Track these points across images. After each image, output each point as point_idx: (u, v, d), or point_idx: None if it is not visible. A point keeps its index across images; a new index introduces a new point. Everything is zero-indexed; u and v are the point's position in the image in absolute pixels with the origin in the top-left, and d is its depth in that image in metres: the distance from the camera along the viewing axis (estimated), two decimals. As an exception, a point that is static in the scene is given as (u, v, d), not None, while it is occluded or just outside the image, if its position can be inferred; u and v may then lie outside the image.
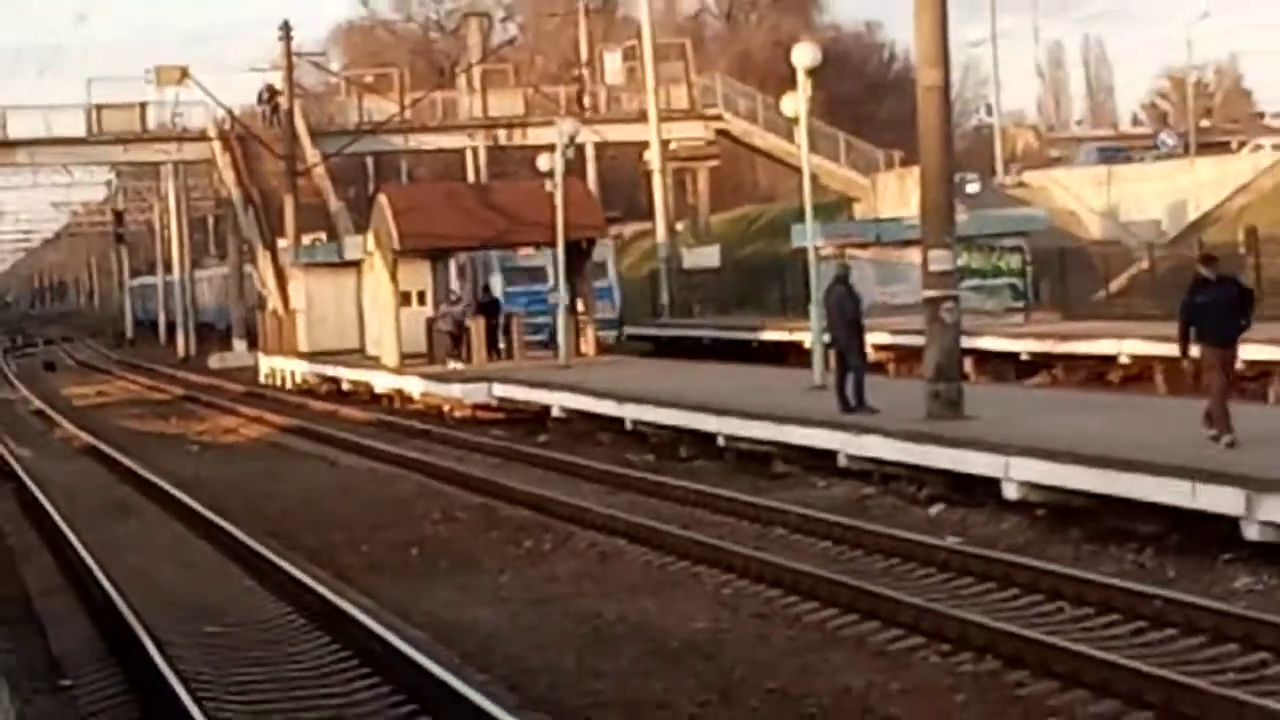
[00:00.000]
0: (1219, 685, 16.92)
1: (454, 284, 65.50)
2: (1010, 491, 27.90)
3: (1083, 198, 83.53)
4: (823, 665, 19.59)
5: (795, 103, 43.61)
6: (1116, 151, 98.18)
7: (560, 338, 56.01)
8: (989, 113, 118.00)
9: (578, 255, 57.84)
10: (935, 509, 29.21)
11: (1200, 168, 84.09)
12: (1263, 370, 46.08)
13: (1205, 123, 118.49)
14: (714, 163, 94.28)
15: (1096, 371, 51.09)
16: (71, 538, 29.74)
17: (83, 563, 27.16)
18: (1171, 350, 49.65)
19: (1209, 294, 26.19)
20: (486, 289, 63.05)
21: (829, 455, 33.50)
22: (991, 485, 28.38)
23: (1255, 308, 27.67)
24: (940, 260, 33.26)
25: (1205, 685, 16.85)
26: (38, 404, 70.92)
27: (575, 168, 63.87)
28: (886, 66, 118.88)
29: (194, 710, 17.10)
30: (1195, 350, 26.36)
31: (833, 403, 35.06)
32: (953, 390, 32.52)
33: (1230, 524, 23.23)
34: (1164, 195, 79.59)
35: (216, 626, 23.21)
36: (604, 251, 69.32)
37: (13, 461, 45.25)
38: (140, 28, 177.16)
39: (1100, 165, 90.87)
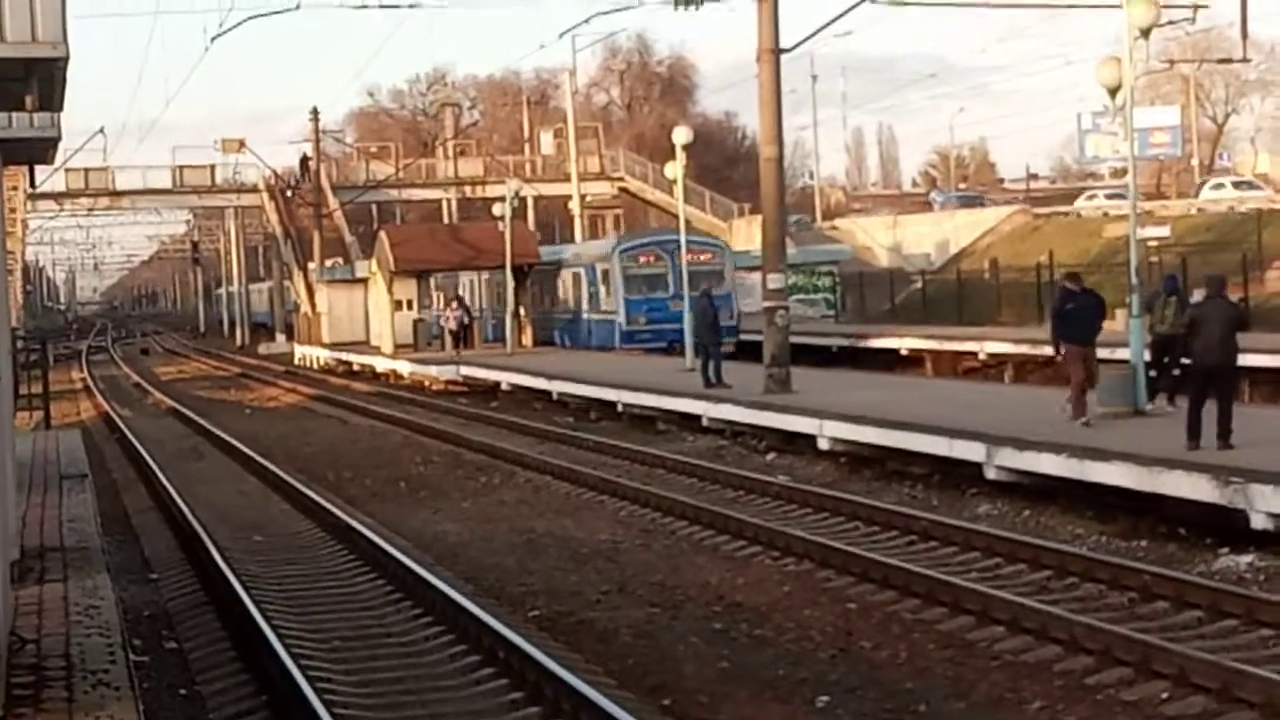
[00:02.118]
0: (968, 580, 17.05)
1: (464, 293, 64.83)
2: (823, 444, 27.97)
3: (876, 237, 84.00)
4: (690, 566, 19.66)
5: (674, 169, 44.43)
6: (973, 198, 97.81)
7: (507, 334, 56.13)
8: (810, 177, 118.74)
9: (520, 275, 57.86)
10: (770, 456, 29.24)
11: (959, 216, 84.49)
12: (1000, 360, 46.45)
13: (963, 185, 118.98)
14: (618, 211, 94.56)
15: (885, 360, 51.37)
16: (158, 473, 29.69)
17: (166, 491, 27.08)
18: (928, 343, 50.50)
19: (1075, 303, 25.05)
20: (458, 299, 62.54)
21: (696, 418, 33.56)
22: (810, 440, 28.43)
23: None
24: (775, 280, 33.34)
25: (958, 581, 16.97)
26: (135, 378, 70.36)
27: (519, 213, 63.63)
28: (740, 143, 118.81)
29: (244, 596, 17.03)
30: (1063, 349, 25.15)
31: (699, 381, 35.12)
32: (783, 373, 32.55)
33: (976, 468, 23.34)
34: (933, 236, 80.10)
35: (261, 536, 23.15)
36: (721, 260, 54.68)
37: (117, 419, 45.03)
38: (212, 110, 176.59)
39: (942, 210, 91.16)
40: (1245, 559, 17.62)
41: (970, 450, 23.67)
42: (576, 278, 58.83)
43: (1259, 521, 17.95)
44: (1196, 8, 41.25)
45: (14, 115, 14.02)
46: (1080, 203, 77.77)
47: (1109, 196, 75.85)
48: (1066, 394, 24.90)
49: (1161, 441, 20.83)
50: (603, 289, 55.05)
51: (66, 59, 10.32)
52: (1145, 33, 26.83)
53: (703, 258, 51.04)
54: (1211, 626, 14.88)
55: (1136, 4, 26.22)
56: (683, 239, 45.97)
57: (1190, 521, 19.24)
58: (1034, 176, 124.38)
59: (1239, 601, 15.30)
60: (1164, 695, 12.86)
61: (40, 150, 18.62)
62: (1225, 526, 18.52)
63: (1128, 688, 13.17)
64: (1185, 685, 12.94)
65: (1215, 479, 18.72)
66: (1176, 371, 24.80)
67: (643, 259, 53.81)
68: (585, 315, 57.53)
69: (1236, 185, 76.06)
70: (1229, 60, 68.62)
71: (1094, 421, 23.52)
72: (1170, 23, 37.66)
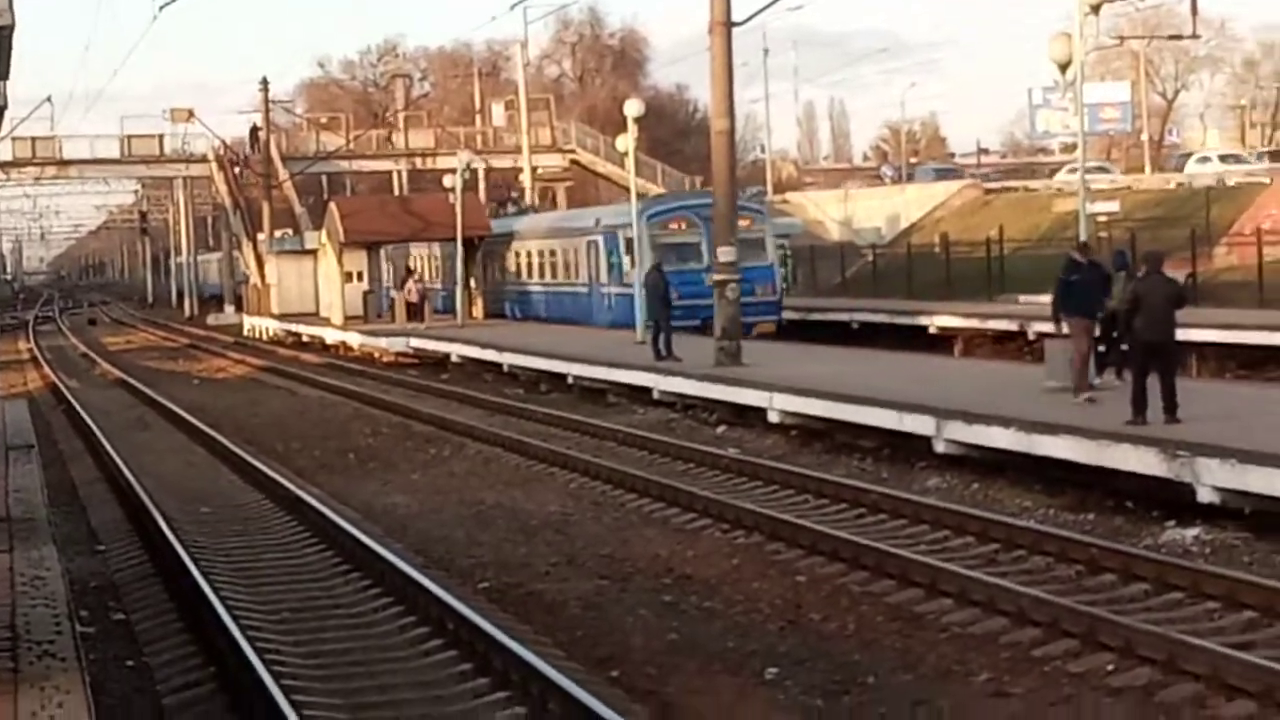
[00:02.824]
0: (916, 553, 17.12)
1: (414, 265, 64.26)
2: (773, 417, 28.01)
3: (827, 211, 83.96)
4: (639, 538, 19.67)
5: (626, 141, 44.23)
6: (949, 170, 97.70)
7: (458, 305, 55.93)
8: (762, 150, 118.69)
9: (471, 247, 57.64)
10: (720, 429, 29.28)
11: (909, 191, 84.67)
12: (951, 332, 46.50)
13: (914, 160, 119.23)
14: (569, 183, 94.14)
15: (837, 332, 51.15)
16: (105, 444, 29.52)
17: (113, 462, 26.96)
18: (886, 317, 50.35)
19: (1081, 274, 24.08)
20: (408, 270, 62.33)
21: (646, 390, 33.53)
22: (760, 413, 28.46)
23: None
24: (726, 254, 33.32)
25: (907, 553, 17.04)
26: (83, 349, 70.11)
27: (470, 186, 63.36)
28: (691, 116, 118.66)
29: (192, 567, 16.97)
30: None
31: (649, 354, 35.11)
32: (734, 346, 32.59)
33: (925, 441, 23.42)
34: (883, 210, 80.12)
35: (209, 508, 23.07)
36: (762, 226, 47.46)
37: (64, 389, 44.76)
38: (161, 80, 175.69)
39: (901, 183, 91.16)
40: (1191, 532, 17.74)
41: (920, 424, 23.74)
42: (592, 246, 50.43)
43: (1205, 495, 18.07)
44: (1146, -15, 41.44)
45: (-42, 83, 13.89)
46: (1062, 176, 77.92)
47: (1090, 170, 76.07)
48: (1044, 369, 24.96)
49: (1109, 416, 20.93)
50: (627, 259, 46.56)
51: (12, 27, 10.28)
52: (1095, 8, 26.99)
53: (742, 224, 41.42)
54: (1158, 599, 14.98)
55: (1086, -18, 26.35)
56: (634, 211, 45.29)
57: (1137, 495, 19.36)
58: (985, 151, 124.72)
59: (1185, 574, 15.41)
60: (1110, 667, 12.94)
61: (-14, 118, 18.46)
62: (1172, 500, 18.64)
63: (1074, 659, 13.25)
64: (1131, 657, 13.02)
65: (1162, 453, 18.84)
66: (1125, 346, 24.90)
67: (673, 225, 46.34)
68: (602, 289, 49.92)
69: (1223, 159, 75.84)
70: (1179, 36, 69.15)
71: (1095, 398, 22.97)
72: (1121, -1, 37.67)
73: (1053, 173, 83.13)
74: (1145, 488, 19.17)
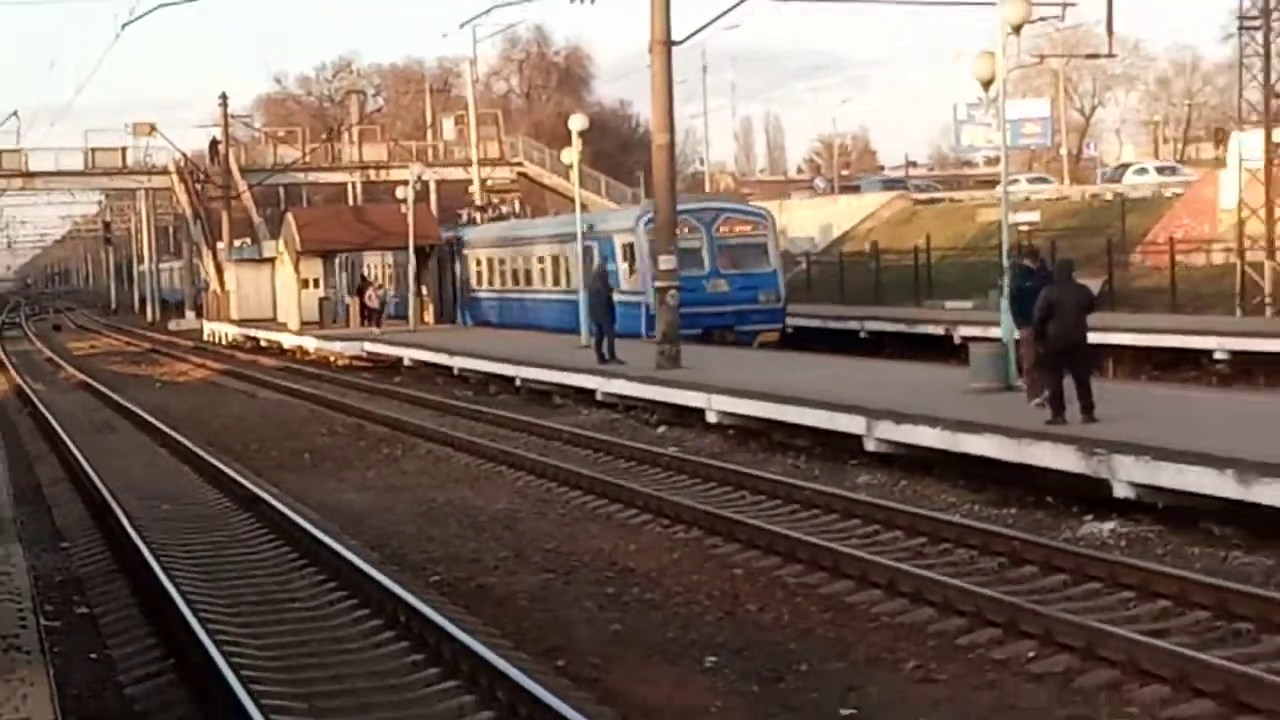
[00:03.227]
0: (848, 546, 17.15)
1: (368, 273, 64.22)
2: (711, 417, 28.06)
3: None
4: (584, 533, 19.67)
5: (571, 155, 43.91)
6: (896, 181, 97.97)
7: (410, 311, 55.87)
8: (701, 163, 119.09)
9: (422, 255, 57.60)
10: (661, 429, 29.29)
11: (841, 202, 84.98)
12: (882, 336, 46.67)
13: (845, 172, 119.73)
14: (517, 194, 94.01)
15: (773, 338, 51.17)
16: (70, 445, 29.34)
17: (78, 463, 26.78)
18: (819, 322, 50.26)
19: (1033, 281, 22.99)
20: (363, 278, 62.29)
21: (590, 393, 33.55)
22: (699, 413, 28.51)
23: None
24: (667, 261, 33.38)
25: (839, 547, 17.07)
26: (48, 353, 69.69)
27: (422, 196, 63.36)
28: (634, 131, 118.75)
29: (153, 563, 16.89)
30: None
31: (593, 357, 35.12)
32: (673, 350, 32.62)
33: (856, 440, 23.50)
34: (817, 220, 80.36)
35: (170, 506, 22.94)
36: (765, 231, 43.16)
37: (30, 393, 44.46)
38: (123, 95, 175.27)
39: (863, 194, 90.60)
40: (1108, 526, 17.86)
41: (851, 423, 23.83)
42: (587, 253, 43.55)
43: (1121, 490, 18.19)
44: (1065, 5, 41.73)
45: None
46: (1023, 184, 77.88)
47: (1030, 181, 76.83)
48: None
49: (1030, 415, 21.07)
50: (623, 266, 42.37)
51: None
52: (1017, 29, 27.08)
53: (742, 228, 41.40)
54: (1076, 589, 15.05)
55: (1009, 2, 26.48)
56: (578, 221, 45.23)
57: (1057, 491, 19.46)
58: (913, 164, 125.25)
59: (1102, 566, 15.51)
60: (1030, 654, 13.01)
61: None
62: (1090, 495, 18.75)
63: (997, 647, 13.32)
64: (1051, 644, 13.09)
65: (1080, 450, 18.96)
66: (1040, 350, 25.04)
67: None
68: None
69: (1160, 170, 76.28)
70: (1096, 55, 69.58)
71: (1042, 403, 21.90)
72: (1041, 19, 37.96)
73: (991, 184, 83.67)
74: (1064, 484, 19.27)
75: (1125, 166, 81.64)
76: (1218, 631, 13.33)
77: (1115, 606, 14.31)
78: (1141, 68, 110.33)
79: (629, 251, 41.57)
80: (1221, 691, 11.51)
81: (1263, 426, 19.80)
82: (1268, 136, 43.84)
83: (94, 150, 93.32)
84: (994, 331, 27.32)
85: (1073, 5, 42.88)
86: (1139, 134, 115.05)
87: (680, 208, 39.39)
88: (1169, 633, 13.23)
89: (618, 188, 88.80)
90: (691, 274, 38.34)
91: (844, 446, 23.97)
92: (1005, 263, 26.48)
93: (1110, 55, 65.77)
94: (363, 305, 59.48)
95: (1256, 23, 43.52)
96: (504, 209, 71.98)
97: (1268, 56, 43.63)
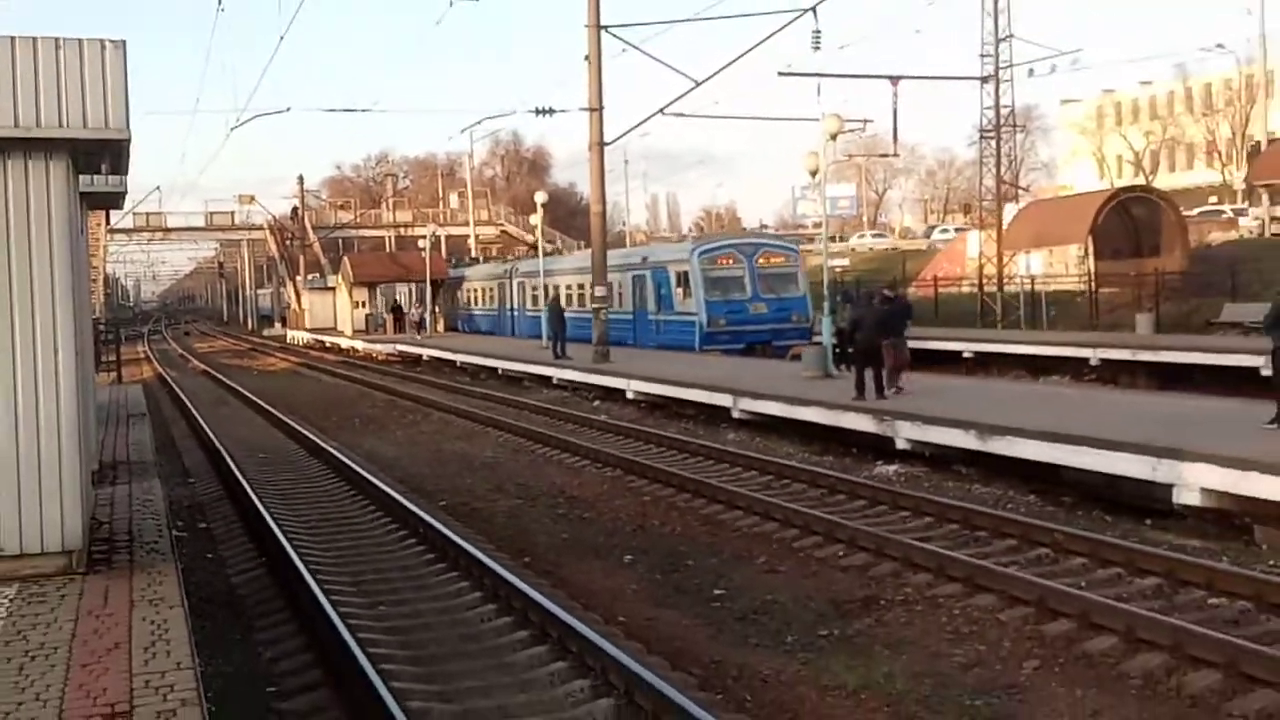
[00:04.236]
0: (720, 481, 17.16)
1: (399, 298, 63.50)
2: (630, 395, 28.07)
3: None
4: (544, 472, 19.62)
5: (536, 219, 44.04)
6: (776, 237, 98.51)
7: (427, 321, 55.65)
8: (623, 225, 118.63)
9: (436, 286, 57.45)
10: (596, 403, 29.21)
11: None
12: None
13: (720, 231, 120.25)
14: (500, 245, 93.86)
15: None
16: (195, 413, 29.05)
17: (200, 425, 26.48)
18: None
19: (891, 307, 21.72)
20: (396, 302, 61.92)
21: (548, 379, 33.45)
22: (621, 393, 28.51)
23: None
24: (600, 290, 33.33)
25: (714, 481, 17.06)
26: (180, 351, 69.06)
27: (435, 246, 62.94)
28: (578, 203, 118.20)
29: (251, 493, 16.74)
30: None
31: (551, 355, 35.04)
32: (604, 350, 32.53)
33: (726, 411, 23.58)
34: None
35: (264, 454, 22.70)
36: (796, 263, 36.13)
37: (167, 378, 43.96)
38: (232, 176, 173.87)
39: None
40: (892, 468, 18.02)
41: (723, 399, 23.92)
42: (639, 280, 38.86)
43: (901, 444, 18.38)
44: (865, 121, 42.07)
45: (95, 177, 13.61)
46: (868, 237, 77.88)
47: (874, 235, 77.53)
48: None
49: (843, 394, 21.19)
50: (678, 291, 36.14)
51: (129, 140, 10.06)
52: (834, 136, 27.27)
53: (777, 260, 35.15)
54: (871, 510, 15.17)
55: (828, 120, 26.70)
56: (541, 264, 45.21)
57: (860, 444, 19.62)
58: (765, 227, 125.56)
59: (888, 494, 15.64)
60: (840, 554, 13.09)
61: (114, 200, 18.07)
62: (881, 447, 18.92)
63: (818, 549, 13.39)
64: (855, 548, 13.19)
65: (874, 418, 19.12)
66: (850, 350, 25.13)
67: (721, 261, 35.38)
68: (655, 317, 37.91)
69: (875, 235, 78.53)
70: (885, 155, 69.60)
71: (903, 390, 21.10)
72: (849, 130, 38.03)
73: (834, 239, 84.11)
74: (865, 440, 19.44)
75: (933, 228, 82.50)
76: (964, 538, 13.49)
77: (897, 522, 14.43)
78: (916, 162, 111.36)
79: (682, 278, 35.54)
80: (966, 577, 11.63)
81: (993, 402, 20.00)
82: (999, 210, 44.39)
83: (212, 213, 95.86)
84: (819, 337, 27.37)
85: (870, 121, 43.39)
86: (915, 208, 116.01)
87: (727, 242, 37.07)
88: (932, 539, 13.36)
89: (569, 242, 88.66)
90: (737, 298, 34.12)
91: (719, 415, 24.05)
92: (826, 293, 26.73)
93: (895, 155, 65.97)
94: (398, 320, 59.39)
95: (990, 134, 44.01)
96: (477, 256, 72.05)
97: (998, 157, 44.19)
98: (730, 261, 34.70)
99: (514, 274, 53.22)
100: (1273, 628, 9.90)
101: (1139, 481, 14.08)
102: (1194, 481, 13.30)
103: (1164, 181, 74.58)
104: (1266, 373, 17.44)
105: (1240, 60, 70.85)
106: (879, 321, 21.11)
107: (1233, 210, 55.58)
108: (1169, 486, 13.59)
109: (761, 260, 34.34)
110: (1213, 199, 65.68)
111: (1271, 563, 11.87)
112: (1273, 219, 44.21)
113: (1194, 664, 9.06)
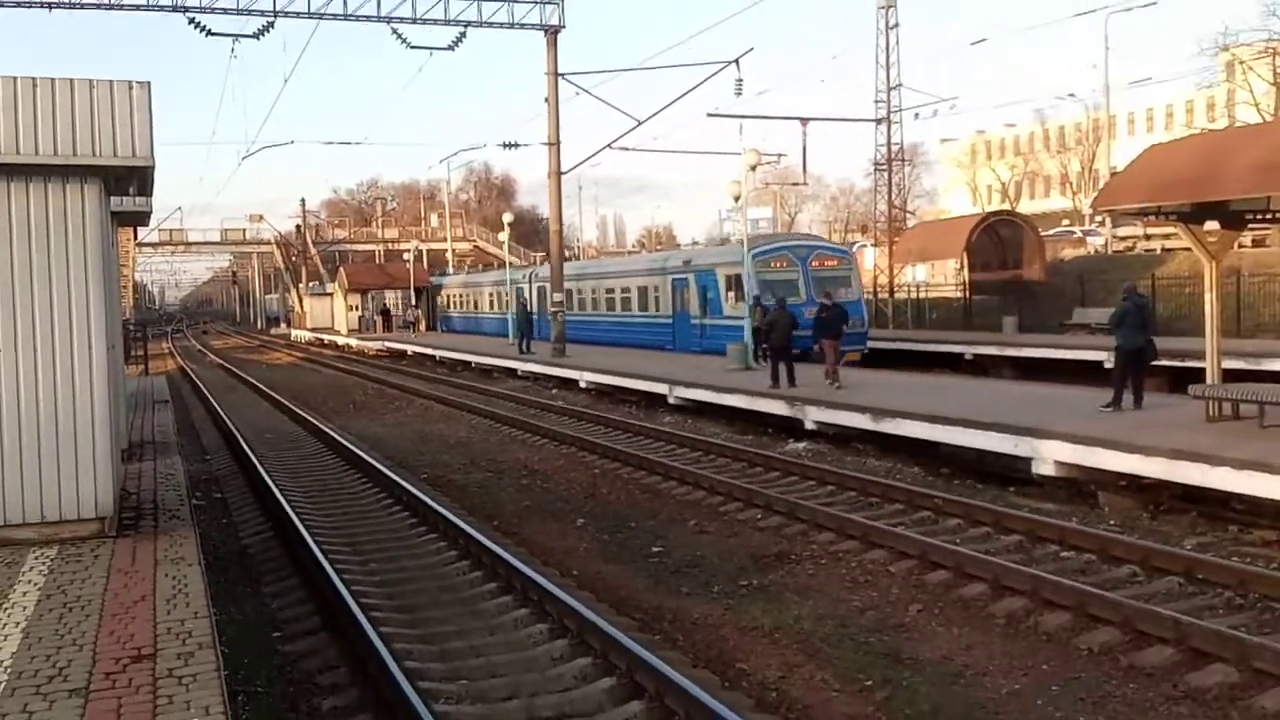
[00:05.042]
0: (658, 456, 17.16)
1: (387, 304, 62.76)
2: (583, 384, 28.01)
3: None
4: (510, 450, 19.52)
5: (504, 236, 43.59)
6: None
7: (416, 320, 55.25)
8: (578, 241, 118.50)
9: (419, 292, 56.99)
10: (554, 391, 29.10)
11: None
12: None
13: (659, 247, 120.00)
14: (472, 259, 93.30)
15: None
16: (211, 399, 28.64)
17: (216, 409, 26.12)
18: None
19: (827, 313, 21.01)
20: (385, 306, 61.24)
21: (514, 370, 33.33)
22: (575, 383, 28.45)
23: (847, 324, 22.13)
24: (558, 295, 33.21)
25: (653, 457, 17.02)
26: (199, 347, 67.92)
27: (418, 259, 62.41)
28: (539, 222, 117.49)
29: (259, 467, 16.53)
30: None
31: (516, 351, 34.85)
32: (561, 346, 32.47)
33: (663, 398, 23.58)
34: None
35: (271, 434, 22.42)
36: (849, 266, 30.08)
37: (188, 370, 43.28)
38: (243, 198, 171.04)
39: None
40: (802, 445, 18.10)
41: (660, 388, 23.92)
42: (680, 284, 32.35)
43: (809, 425, 18.47)
44: (780, 155, 42.36)
45: (124, 198, 13.43)
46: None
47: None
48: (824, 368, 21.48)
49: (761, 383, 21.29)
50: (728, 295, 29.75)
51: (153, 166, 9.96)
52: (753, 168, 27.38)
53: (830, 263, 29.13)
54: (784, 480, 15.23)
55: (749, 154, 26.79)
56: (508, 273, 44.87)
57: (775, 426, 19.71)
58: (695, 243, 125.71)
59: (798, 467, 15.71)
60: (758, 517, 13.15)
61: (141, 218, 17.74)
62: (792, 428, 19.01)
63: (740, 513, 13.44)
64: (770, 511, 13.25)
65: (787, 403, 19.20)
66: (764, 345, 25.19)
67: (775, 264, 28.73)
68: (701, 321, 31.11)
69: (863, 247, 77.95)
70: (796, 184, 69.94)
71: (841, 385, 20.17)
72: (766, 162, 38.21)
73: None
74: (780, 422, 19.53)
75: (853, 243, 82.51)
76: (861, 503, 13.57)
77: (805, 490, 14.50)
78: (822, 190, 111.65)
79: (733, 282, 29.29)
80: (862, 535, 11.71)
81: (885, 389, 20.15)
82: (890, 231, 44.72)
83: (226, 230, 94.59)
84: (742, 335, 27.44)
85: (784, 155, 43.74)
86: (821, 229, 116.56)
87: (779, 244, 29.90)
88: (834, 504, 13.44)
89: (531, 255, 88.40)
90: (792, 302, 25.96)
91: (657, 401, 24.06)
92: (748, 299, 26.83)
93: (804, 184, 66.30)
94: (386, 321, 58.86)
95: (883, 167, 44.36)
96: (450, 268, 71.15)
97: (890, 186, 44.53)
98: (784, 264, 28.75)
99: (484, 282, 53.04)
100: (1113, 576, 10.07)
101: (1004, 456, 14.26)
102: (1049, 455, 13.49)
103: (1025, 207, 75.50)
104: (1108, 365, 17.72)
105: (1088, 107, 71.98)
106: (789, 322, 21.21)
107: (1081, 231, 56.39)
108: (1029, 460, 13.78)
109: (815, 263, 28.72)
110: (1065, 221, 66.57)
111: (1112, 522, 12.07)
112: (1114, 239, 44.97)
113: (1049, 606, 9.19)
